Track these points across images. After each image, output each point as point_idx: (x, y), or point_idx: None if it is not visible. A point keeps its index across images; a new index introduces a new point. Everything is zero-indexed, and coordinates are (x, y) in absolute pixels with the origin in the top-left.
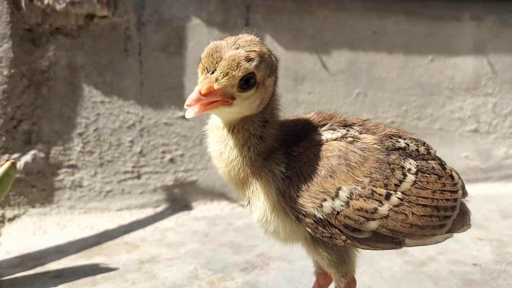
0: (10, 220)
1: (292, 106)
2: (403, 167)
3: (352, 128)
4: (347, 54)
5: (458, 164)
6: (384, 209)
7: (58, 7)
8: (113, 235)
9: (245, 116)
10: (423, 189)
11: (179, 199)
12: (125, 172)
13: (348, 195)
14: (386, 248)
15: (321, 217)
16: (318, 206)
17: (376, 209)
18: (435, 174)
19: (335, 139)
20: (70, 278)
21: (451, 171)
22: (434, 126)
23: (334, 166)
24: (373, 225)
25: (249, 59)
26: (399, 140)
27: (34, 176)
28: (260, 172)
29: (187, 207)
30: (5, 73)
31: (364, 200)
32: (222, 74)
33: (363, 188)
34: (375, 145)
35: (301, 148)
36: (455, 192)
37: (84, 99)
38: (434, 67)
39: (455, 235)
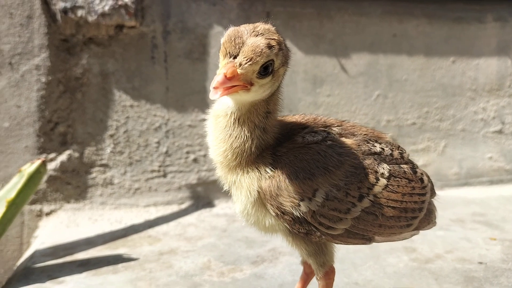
0: (47, 214)
1: (311, 109)
2: (376, 172)
3: (332, 130)
4: (367, 57)
5: (481, 165)
6: (356, 210)
7: (90, 19)
8: (138, 229)
9: (253, 104)
10: (394, 192)
11: (202, 196)
12: (152, 171)
13: (324, 196)
14: (357, 243)
15: (298, 215)
16: (296, 205)
17: (349, 209)
18: (405, 178)
19: (316, 142)
20: (94, 266)
21: (422, 174)
22: (457, 127)
23: (312, 169)
24: (345, 224)
25: (270, 46)
26: (375, 145)
27: (69, 174)
28: (248, 168)
29: (209, 204)
30: (43, 80)
31: (339, 201)
32: (245, 59)
33: (338, 190)
34: (352, 150)
35: (284, 148)
36: (423, 194)
37: (115, 103)
38: (456, 69)
39: (469, 235)
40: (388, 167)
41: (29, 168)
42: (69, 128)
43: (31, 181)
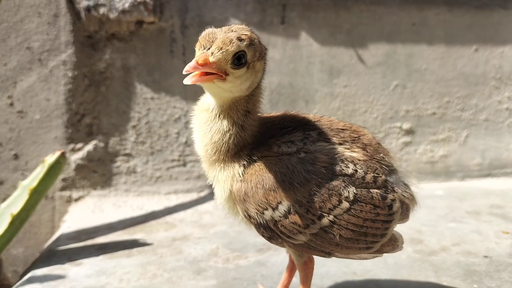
0: (76, 200)
1: (328, 99)
2: (340, 194)
3: (310, 135)
4: (385, 46)
5: (506, 156)
6: (315, 227)
7: (111, 16)
8: (157, 215)
9: (233, 100)
10: (355, 217)
11: None
12: (173, 160)
13: (286, 210)
14: (318, 255)
15: (262, 222)
16: (260, 213)
17: (308, 225)
18: (371, 204)
19: (289, 154)
20: (111, 250)
21: (393, 200)
22: (480, 117)
23: (278, 182)
24: (303, 238)
25: (240, 39)
26: (349, 166)
27: (95, 163)
28: (225, 165)
29: None
30: (70, 74)
31: (299, 216)
32: (217, 48)
33: (300, 206)
34: (322, 169)
35: (259, 153)
36: (388, 222)
37: (137, 96)
38: (479, 57)
39: (481, 228)
40: (354, 191)
41: (50, 159)
42: (95, 119)
43: (52, 171)
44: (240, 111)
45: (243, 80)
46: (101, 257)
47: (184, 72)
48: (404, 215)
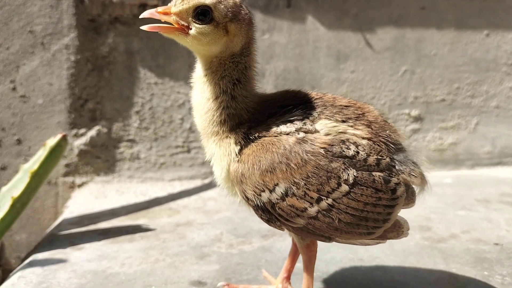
0: (79, 186)
1: (335, 85)
2: (339, 177)
3: (309, 117)
4: (393, 31)
5: None
6: (313, 210)
7: None
8: (161, 202)
9: (216, 64)
10: (355, 201)
11: None
12: (177, 147)
13: (283, 192)
14: (317, 239)
15: (259, 204)
16: (257, 195)
17: (306, 208)
18: (373, 188)
19: (288, 133)
20: (113, 235)
21: (397, 184)
22: (490, 104)
23: (275, 163)
24: (302, 221)
25: None
26: (350, 147)
27: (98, 148)
28: (222, 141)
29: None
30: (73, 59)
31: (297, 199)
32: (180, 0)
33: (298, 188)
34: (321, 150)
35: (257, 132)
36: (391, 206)
37: (140, 80)
38: (490, 42)
39: (491, 216)
40: (355, 174)
41: (51, 142)
42: (98, 104)
43: (53, 154)
44: (226, 78)
45: (211, 39)
46: (103, 242)
47: (140, 17)
48: (410, 199)
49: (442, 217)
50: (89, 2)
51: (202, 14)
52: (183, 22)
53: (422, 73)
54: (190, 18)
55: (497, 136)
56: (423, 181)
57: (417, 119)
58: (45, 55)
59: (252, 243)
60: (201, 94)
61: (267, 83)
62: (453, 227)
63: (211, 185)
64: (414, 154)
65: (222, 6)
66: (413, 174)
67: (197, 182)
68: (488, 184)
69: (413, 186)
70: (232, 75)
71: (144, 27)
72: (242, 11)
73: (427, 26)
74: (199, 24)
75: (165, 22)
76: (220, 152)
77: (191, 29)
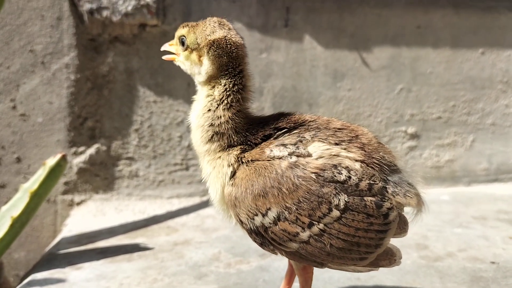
0: (78, 204)
1: (332, 103)
2: (330, 202)
3: (302, 140)
4: (389, 50)
5: None
6: (305, 235)
7: (114, 19)
8: (159, 220)
9: (204, 85)
10: (346, 226)
11: None
12: (175, 164)
13: (276, 216)
14: (310, 265)
15: (252, 228)
16: (250, 218)
17: (298, 233)
18: (364, 213)
19: (280, 157)
20: (112, 254)
21: (389, 209)
22: (486, 121)
23: (267, 187)
24: (294, 245)
25: (184, 25)
26: (342, 172)
27: (97, 166)
28: (215, 161)
29: None
30: (72, 77)
31: (289, 223)
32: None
33: (290, 213)
34: (313, 175)
35: (250, 156)
36: (383, 231)
37: (139, 99)
38: (486, 61)
39: (488, 233)
40: (346, 199)
41: (51, 162)
42: (97, 123)
43: (53, 174)
44: (210, 97)
45: (190, 63)
46: (101, 261)
47: (161, 49)
48: (402, 228)
49: (439, 235)
50: (89, 22)
51: (182, 42)
52: (178, 51)
53: (418, 91)
54: (179, 47)
55: (493, 153)
56: (419, 202)
57: (414, 136)
58: (45, 74)
59: (250, 262)
60: (193, 112)
61: (265, 101)
62: (450, 245)
63: (209, 203)
64: (409, 175)
65: (192, 35)
66: (408, 195)
67: (196, 200)
68: (484, 201)
69: (409, 207)
70: (215, 95)
71: (164, 57)
72: (219, 40)
73: (422, 45)
74: (183, 51)
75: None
76: (214, 173)
77: (179, 55)
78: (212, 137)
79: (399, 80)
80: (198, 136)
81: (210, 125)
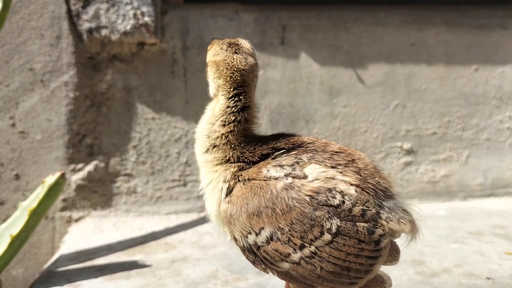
0: (76, 220)
1: (328, 119)
2: (322, 226)
3: (299, 162)
4: (384, 67)
5: (509, 176)
6: (296, 256)
7: (113, 37)
8: (157, 236)
9: (214, 102)
10: (337, 250)
11: None
12: (173, 180)
13: (268, 236)
14: (300, 285)
15: (246, 246)
16: (244, 236)
17: (289, 254)
18: (356, 238)
19: (276, 178)
20: (110, 272)
21: (382, 236)
22: (481, 136)
23: (262, 207)
24: (285, 266)
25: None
26: (336, 196)
27: (96, 183)
28: (211, 174)
29: None
30: (71, 95)
31: (281, 243)
32: None
33: (282, 234)
34: (307, 197)
35: (247, 174)
36: (374, 258)
37: (138, 116)
38: (479, 77)
39: (483, 249)
40: (338, 224)
41: (49, 180)
42: (96, 140)
43: (51, 192)
44: (213, 112)
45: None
46: (100, 279)
47: None
48: (394, 256)
49: (435, 250)
50: (88, 41)
51: None
52: None
53: (413, 107)
54: None
55: (488, 168)
56: (413, 228)
57: (410, 152)
58: (45, 92)
59: (248, 279)
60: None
61: (262, 118)
62: (446, 260)
63: (207, 219)
64: (405, 201)
65: (208, 52)
66: (402, 221)
67: (193, 216)
68: (480, 216)
69: (403, 233)
70: (215, 111)
71: None
72: (217, 62)
73: (417, 62)
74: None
75: None
76: (211, 186)
77: None
78: (208, 148)
79: (394, 96)
80: (198, 144)
81: (207, 137)
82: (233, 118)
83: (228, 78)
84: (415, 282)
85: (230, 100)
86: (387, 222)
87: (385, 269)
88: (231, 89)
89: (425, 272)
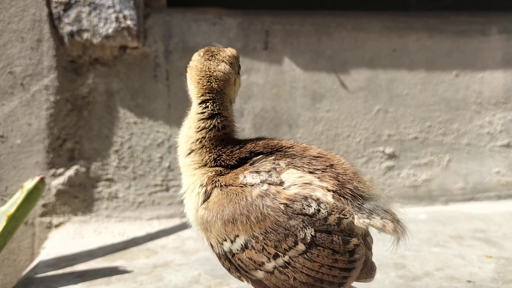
0: (56, 226)
1: (311, 124)
2: (296, 236)
3: (277, 168)
4: (366, 72)
5: (488, 180)
6: (270, 265)
7: (95, 41)
8: (139, 242)
9: (193, 107)
10: (310, 261)
11: None
12: (155, 185)
13: (243, 244)
14: None
15: (221, 253)
16: (220, 243)
17: (263, 263)
18: (330, 249)
19: (252, 185)
20: (90, 278)
21: (356, 246)
22: (461, 141)
23: (237, 214)
24: (259, 274)
25: None
26: (312, 204)
27: (76, 188)
28: (190, 178)
29: None
30: (52, 99)
31: (255, 252)
32: None
33: (257, 242)
34: (282, 206)
35: (224, 181)
36: (348, 270)
37: (119, 120)
38: (460, 82)
39: (464, 252)
40: (312, 233)
41: (28, 184)
42: (77, 144)
43: (30, 197)
44: (190, 117)
45: None
46: (80, 285)
47: None
48: (369, 273)
49: (416, 254)
50: (69, 44)
51: None
52: None
53: (395, 112)
54: None
55: (469, 172)
56: (396, 228)
57: (392, 156)
58: (25, 95)
59: (230, 285)
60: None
61: (245, 122)
62: (428, 264)
63: (188, 224)
64: (386, 202)
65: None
66: (384, 220)
67: (176, 221)
68: (461, 220)
69: (386, 233)
70: (192, 114)
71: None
72: (190, 68)
73: (398, 67)
74: None
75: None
76: (189, 191)
77: None
78: (187, 153)
79: (376, 101)
80: (179, 148)
81: (186, 141)
82: (203, 124)
83: (196, 83)
84: (397, 285)
85: (199, 106)
86: (370, 220)
87: None
88: (199, 95)
89: (407, 275)
